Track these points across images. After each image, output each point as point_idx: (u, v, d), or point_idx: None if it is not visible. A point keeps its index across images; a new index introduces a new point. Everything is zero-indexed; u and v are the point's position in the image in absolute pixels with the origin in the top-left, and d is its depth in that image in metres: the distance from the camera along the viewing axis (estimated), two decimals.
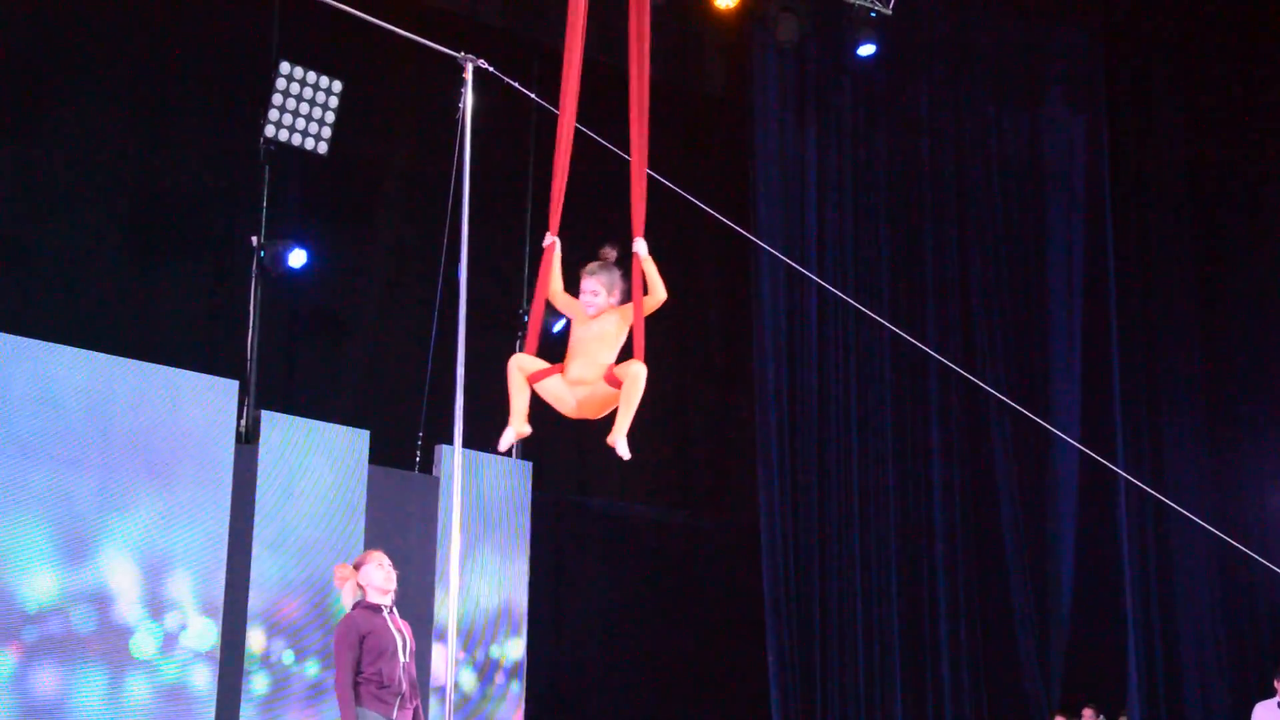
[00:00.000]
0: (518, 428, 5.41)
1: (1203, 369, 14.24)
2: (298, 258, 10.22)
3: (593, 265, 5.50)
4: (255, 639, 9.42)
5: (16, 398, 8.67)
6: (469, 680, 10.50)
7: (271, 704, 9.42)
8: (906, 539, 13.17)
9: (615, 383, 5.36)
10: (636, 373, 5.31)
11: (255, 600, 9.46)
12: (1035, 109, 14.50)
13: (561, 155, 5.59)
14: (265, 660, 9.46)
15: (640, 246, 5.48)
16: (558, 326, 9.03)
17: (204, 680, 9.17)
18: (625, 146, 5.66)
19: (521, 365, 5.41)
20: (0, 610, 8.46)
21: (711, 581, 12.94)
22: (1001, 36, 14.34)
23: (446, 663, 5.96)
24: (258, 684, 9.40)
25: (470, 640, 10.50)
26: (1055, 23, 14.54)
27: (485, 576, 10.68)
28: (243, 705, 9.28)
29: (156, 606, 9.04)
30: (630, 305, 5.46)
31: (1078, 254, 14.43)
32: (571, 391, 5.41)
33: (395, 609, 6.49)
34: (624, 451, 5.39)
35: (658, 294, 5.50)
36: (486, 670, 10.65)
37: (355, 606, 6.41)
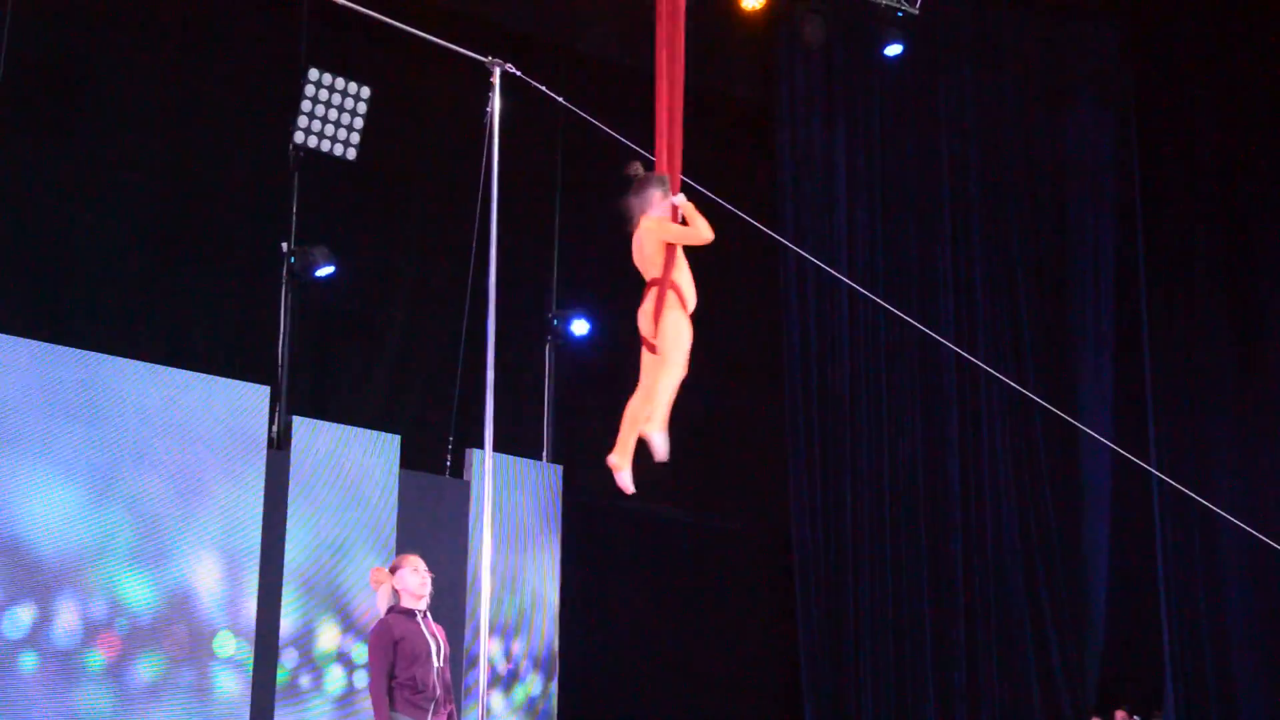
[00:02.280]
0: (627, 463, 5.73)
1: (1236, 366, 14.10)
2: (323, 269, 10.29)
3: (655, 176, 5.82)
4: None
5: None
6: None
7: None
8: (937, 540, 13.11)
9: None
10: (675, 361, 5.45)
11: (299, 601, 9.60)
12: (1064, 107, 14.42)
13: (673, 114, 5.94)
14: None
15: (680, 199, 5.91)
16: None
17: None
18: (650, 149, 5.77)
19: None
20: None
21: (743, 583, 12.92)
22: (1029, 35, 14.28)
23: (481, 663, 5.97)
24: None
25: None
26: (1083, 20, 14.46)
27: (517, 579, 10.70)
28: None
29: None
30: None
31: (1108, 252, 14.34)
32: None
33: (429, 613, 6.51)
34: (661, 448, 5.53)
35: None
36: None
37: (389, 611, 6.43)
